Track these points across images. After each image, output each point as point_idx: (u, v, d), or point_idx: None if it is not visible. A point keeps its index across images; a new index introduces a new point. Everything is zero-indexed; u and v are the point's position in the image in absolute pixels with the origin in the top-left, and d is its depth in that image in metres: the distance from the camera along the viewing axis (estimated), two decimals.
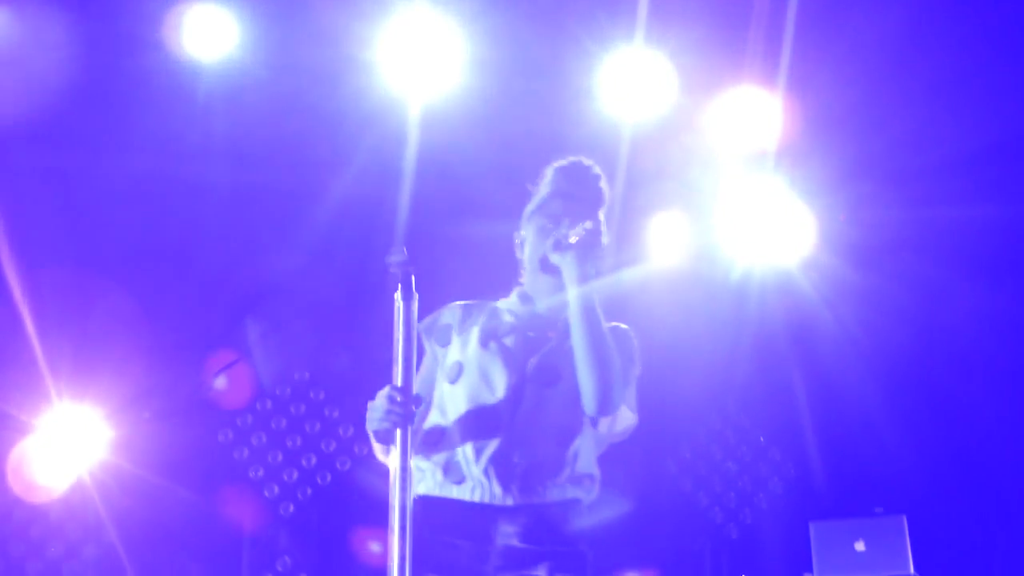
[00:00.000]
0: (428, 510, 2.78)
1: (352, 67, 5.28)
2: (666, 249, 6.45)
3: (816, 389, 6.85)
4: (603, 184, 3.04)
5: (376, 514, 2.84)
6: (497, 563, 2.74)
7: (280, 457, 6.43)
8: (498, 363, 2.86)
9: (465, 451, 2.79)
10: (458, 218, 5.69)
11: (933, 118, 5.62)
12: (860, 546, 6.02)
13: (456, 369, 2.89)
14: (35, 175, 5.51)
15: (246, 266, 6.01)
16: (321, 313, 6.06)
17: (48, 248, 5.57)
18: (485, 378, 2.85)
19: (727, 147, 5.94)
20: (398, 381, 2.65)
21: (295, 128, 5.51)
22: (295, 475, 6.42)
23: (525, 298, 3.02)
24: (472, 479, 2.78)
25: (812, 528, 6.15)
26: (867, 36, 5.28)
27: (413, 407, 2.64)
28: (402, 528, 2.52)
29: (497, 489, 2.76)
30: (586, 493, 2.88)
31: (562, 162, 3.06)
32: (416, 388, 2.91)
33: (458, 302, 3.05)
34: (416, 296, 2.73)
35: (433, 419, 2.91)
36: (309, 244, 5.88)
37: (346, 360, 6.20)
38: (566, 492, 2.82)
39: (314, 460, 6.43)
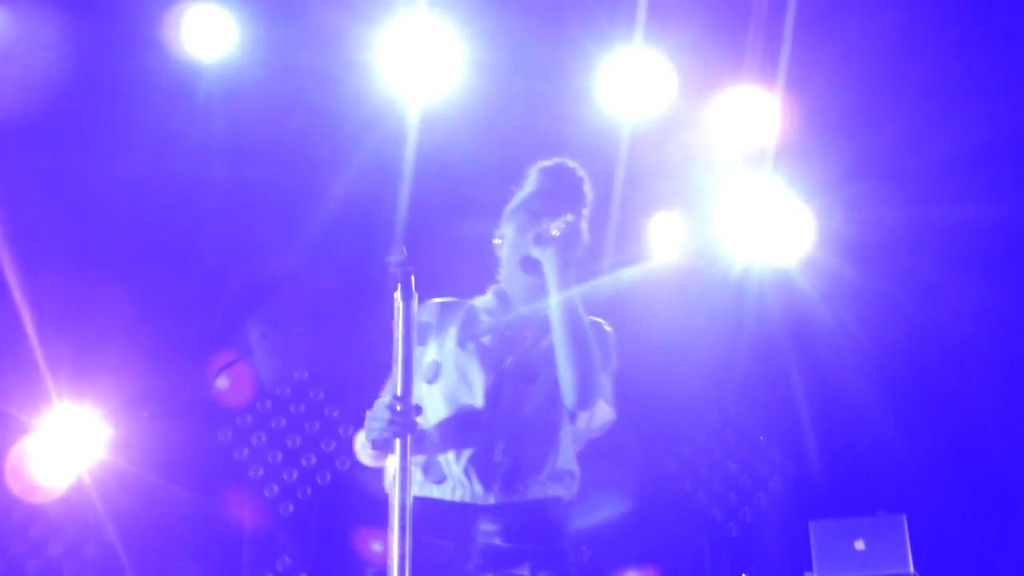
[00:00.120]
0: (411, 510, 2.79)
1: (352, 67, 5.28)
2: (665, 248, 6.45)
3: (815, 388, 6.86)
4: (586, 186, 3.05)
5: (376, 514, 2.85)
6: (478, 562, 2.75)
7: (280, 457, 6.43)
8: (475, 363, 2.87)
9: (445, 451, 2.80)
10: (458, 218, 5.69)
11: (931, 118, 5.62)
12: (860, 545, 6.03)
13: (434, 369, 2.90)
14: (35, 175, 5.51)
15: (246, 266, 6.01)
16: (321, 313, 6.06)
17: (48, 248, 5.57)
18: (463, 378, 2.86)
19: (726, 146, 5.94)
20: (398, 380, 2.65)
21: (295, 128, 5.51)
22: (295, 475, 6.42)
23: (502, 297, 3.03)
24: (453, 478, 2.78)
25: (812, 527, 6.15)
26: (865, 36, 5.29)
27: (414, 416, 2.64)
28: (402, 528, 2.52)
29: (478, 488, 2.77)
30: (566, 490, 2.89)
31: (546, 162, 3.09)
32: (388, 387, 2.93)
33: (435, 300, 3.05)
34: (416, 296, 2.73)
35: None
36: (309, 244, 5.88)
37: (346, 360, 6.20)
38: (547, 490, 2.83)
39: (314, 460, 6.43)
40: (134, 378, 5.85)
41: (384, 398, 2.68)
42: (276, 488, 6.40)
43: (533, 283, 2.96)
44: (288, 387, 6.52)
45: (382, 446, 2.72)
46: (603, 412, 2.95)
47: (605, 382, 2.93)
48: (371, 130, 5.46)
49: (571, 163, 3.08)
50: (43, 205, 5.55)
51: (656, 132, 5.74)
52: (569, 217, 2.83)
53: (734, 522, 7.12)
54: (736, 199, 6.24)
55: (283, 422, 6.48)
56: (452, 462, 2.79)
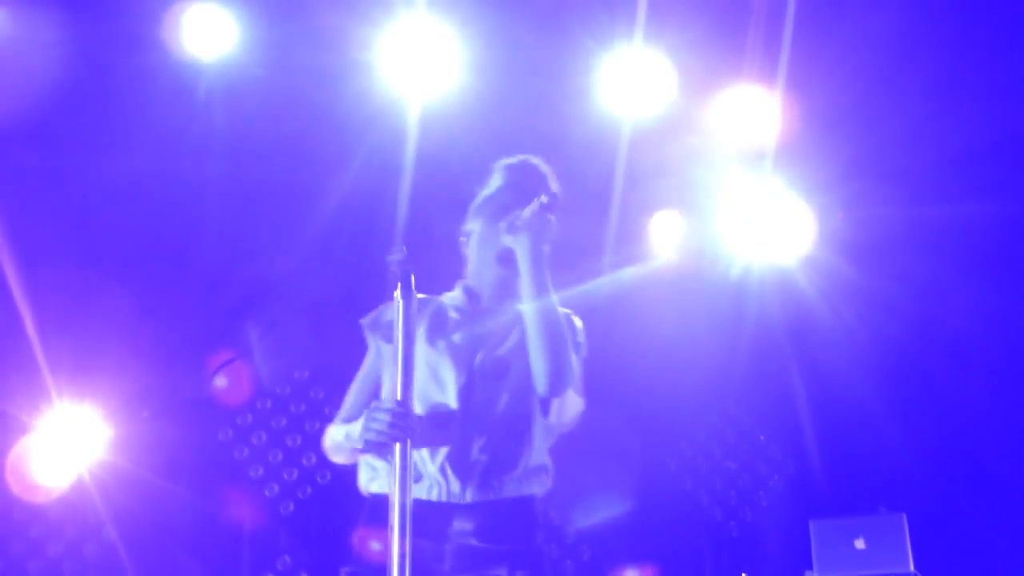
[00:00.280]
0: (385, 509, 2.79)
1: (352, 67, 5.28)
2: (665, 247, 6.46)
3: (815, 387, 6.86)
4: (552, 182, 3.04)
5: (377, 514, 2.85)
6: (453, 562, 2.74)
7: (280, 456, 6.43)
8: (447, 361, 2.88)
9: (420, 450, 2.79)
10: (458, 217, 5.69)
11: (931, 116, 5.63)
12: (860, 544, 6.03)
13: None
14: (35, 174, 5.51)
15: (246, 265, 6.01)
16: (321, 312, 6.06)
17: (48, 248, 5.57)
18: (435, 376, 2.86)
19: (726, 145, 5.94)
20: (398, 379, 2.66)
21: (295, 128, 5.51)
22: (295, 474, 6.42)
23: (470, 293, 3.03)
24: (429, 477, 2.78)
25: (812, 526, 6.15)
26: (865, 34, 5.29)
27: (415, 420, 2.64)
28: (402, 528, 2.52)
29: (456, 487, 2.77)
30: (541, 486, 2.89)
31: (511, 160, 3.08)
32: (357, 386, 2.94)
33: None
34: (416, 294, 2.73)
35: None
36: (309, 243, 5.88)
37: (346, 359, 6.19)
38: (522, 487, 2.83)
39: (314, 459, 6.43)
40: (134, 377, 5.85)
41: (385, 401, 2.68)
42: (276, 487, 6.40)
43: (501, 278, 2.98)
44: (288, 386, 6.53)
45: (375, 448, 2.72)
46: (573, 403, 2.96)
47: (576, 370, 2.93)
48: (371, 130, 5.46)
49: (535, 159, 3.08)
50: (43, 205, 5.55)
51: (656, 131, 5.74)
52: (543, 198, 2.81)
53: (734, 521, 7.13)
54: (736, 198, 6.24)
55: (283, 421, 6.48)
56: (428, 461, 2.79)
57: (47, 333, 5.54)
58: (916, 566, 5.92)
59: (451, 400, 2.82)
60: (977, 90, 5.54)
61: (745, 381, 6.99)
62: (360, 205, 5.73)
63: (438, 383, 2.85)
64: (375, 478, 2.86)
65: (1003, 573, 6.31)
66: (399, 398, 2.65)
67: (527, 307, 2.82)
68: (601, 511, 6.58)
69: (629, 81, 5.53)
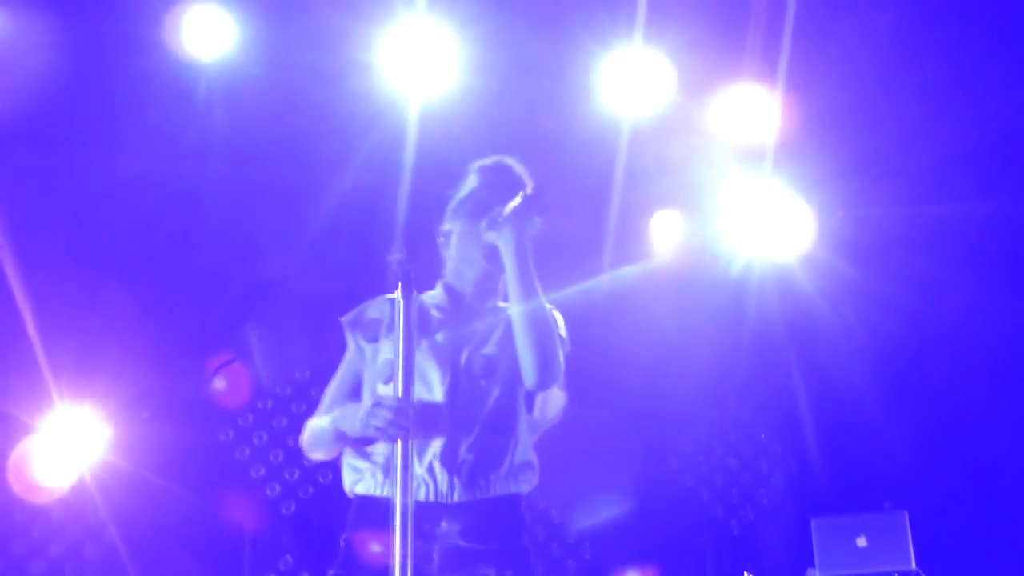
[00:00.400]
0: (371, 511, 2.79)
1: (351, 67, 5.28)
2: (665, 245, 6.46)
3: (816, 385, 6.87)
4: (528, 181, 3.04)
5: (363, 515, 2.85)
6: (441, 562, 2.74)
7: (281, 456, 6.43)
8: (431, 361, 2.88)
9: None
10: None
11: (931, 115, 5.63)
12: (862, 542, 6.03)
13: (389, 368, 2.88)
14: (35, 175, 5.51)
15: (246, 265, 6.01)
16: (321, 311, 6.05)
17: (49, 249, 5.57)
18: (421, 376, 2.86)
19: (726, 144, 5.95)
20: (399, 378, 2.66)
21: (294, 128, 5.51)
22: (296, 474, 6.42)
23: (452, 292, 3.02)
24: (416, 477, 2.78)
25: (814, 524, 6.16)
26: (865, 33, 5.29)
27: (416, 418, 2.65)
28: (403, 528, 2.53)
29: (443, 486, 2.77)
30: (528, 484, 2.89)
31: (485, 161, 3.09)
32: (337, 383, 2.95)
33: (385, 296, 3.03)
34: (416, 294, 2.74)
35: None
36: (309, 243, 5.88)
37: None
38: (509, 486, 2.83)
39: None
40: (135, 378, 5.85)
41: (387, 398, 2.69)
42: (278, 488, 6.40)
43: (483, 275, 2.98)
44: (289, 387, 6.53)
45: (364, 441, 2.73)
46: (556, 398, 2.96)
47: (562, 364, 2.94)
48: (371, 129, 5.46)
49: (509, 160, 3.08)
50: (44, 206, 5.55)
51: (656, 130, 5.74)
52: (529, 189, 2.81)
53: (736, 519, 7.13)
54: (736, 197, 6.24)
55: (284, 421, 6.48)
56: (415, 461, 2.79)
57: (48, 334, 5.55)
58: (918, 563, 5.92)
59: (438, 399, 2.83)
60: (976, 90, 5.54)
61: (745, 379, 7.00)
62: (360, 205, 5.73)
63: (424, 383, 2.86)
64: (360, 480, 2.86)
65: (1005, 570, 6.31)
66: (400, 395, 2.66)
67: (514, 301, 2.83)
68: (602, 510, 6.58)
69: (629, 80, 5.53)
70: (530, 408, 2.91)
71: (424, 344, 2.91)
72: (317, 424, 2.98)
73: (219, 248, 5.92)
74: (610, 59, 5.51)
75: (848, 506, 6.37)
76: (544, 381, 2.82)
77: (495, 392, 2.86)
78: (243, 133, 5.46)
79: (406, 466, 2.59)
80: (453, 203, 3.06)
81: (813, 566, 6.11)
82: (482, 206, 2.95)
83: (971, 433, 6.46)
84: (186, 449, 6.05)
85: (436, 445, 2.79)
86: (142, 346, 5.79)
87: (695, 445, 7.22)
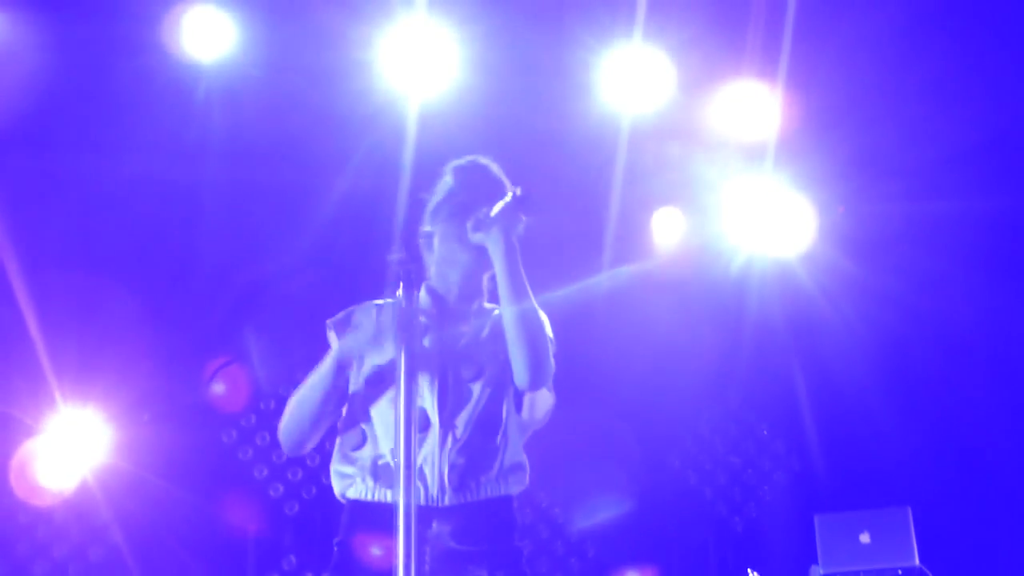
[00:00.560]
0: (362, 516, 2.80)
1: (351, 66, 5.28)
2: (666, 243, 6.46)
3: (818, 381, 6.87)
4: (505, 179, 3.03)
5: (355, 520, 2.85)
6: (433, 565, 2.74)
7: (284, 456, 6.43)
8: (420, 365, 2.86)
9: (396, 454, 2.76)
10: None
11: (931, 112, 5.63)
12: (865, 538, 6.03)
13: (377, 373, 2.88)
14: (35, 177, 5.51)
15: (248, 266, 6.02)
16: (322, 311, 6.05)
17: (51, 251, 5.57)
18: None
19: (727, 141, 5.95)
20: (400, 378, 2.66)
21: (294, 128, 5.51)
22: (299, 474, 6.42)
23: (436, 295, 3.00)
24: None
25: (817, 521, 6.16)
26: (866, 30, 5.29)
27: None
28: (407, 528, 2.53)
29: (434, 490, 2.77)
30: (519, 485, 2.89)
31: (459, 162, 3.08)
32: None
33: (372, 302, 3.02)
34: (417, 293, 2.73)
35: (353, 424, 2.91)
36: (311, 241, 5.89)
37: None
38: (499, 487, 2.83)
39: (318, 459, 6.43)
40: (138, 380, 5.86)
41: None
42: (281, 488, 6.40)
43: (465, 276, 2.96)
44: (292, 387, 6.51)
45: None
46: (545, 399, 2.96)
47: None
48: (371, 129, 5.46)
49: (484, 160, 3.07)
50: (45, 207, 5.56)
51: (656, 128, 5.74)
52: (517, 191, 2.80)
53: (739, 516, 7.13)
54: (736, 194, 6.24)
55: None
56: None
57: (51, 337, 5.55)
58: (921, 560, 5.92)
59: (426, 404, 2.82)
60: (975, 87, 5.54)
61: (747, 376, 7.00)
62: (360, 205, 5.74)
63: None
64: (351, 484, 2.87)
65: (1008, 566, 6.31)
66: (402, 397, 2.65)
67: (505, 301, 2.82)
68: (605, 509, 6.58)
69: (629, 78, 5.53)
70: (519, 409, 2.90)
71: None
72: (296, 394, 2.99)
73: (220, 249, 5.92)
74: (610, 57, 5.51)
75: (851, 502, 6.36)
76: (536, 381, 2.82)
77: (484, 394, 2.86)
78: (243, 134, 5.47)
79: (409, 463, 2.58)
80: (431, 205, 3.04)
81: (816, 563, 6.11)
82: (462, 207, 2.93)
83: (973, 428, 6.46)
84: (189, 450, 6.05)
85: (426, 449, 2.79)
86: (144, 348, 5.79)
87: (697, 443, 7.22)
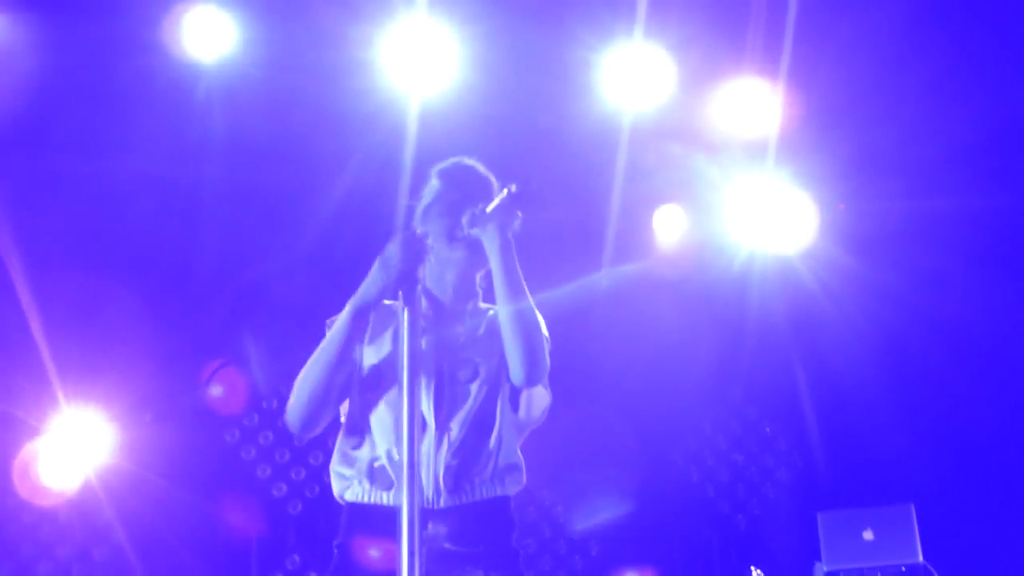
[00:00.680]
0: (360, 518, 2.79)
1: (352, 65, 5.29)
2: (667, 241, 6.46)
3: (820, 379, 6.86)
4: (491, 178, 3.02)
5: (354, 523, 2.85)
6: (429, 566, 2.72)
7: (288, 456, 6.44)
8: (416, 367, 2.86)
9: (392, 457, 2.78)
10: None
11: (934, 109, 5.63)
12: (868, 535, 6.03)
13: (375, 374, 2.88)
14: (38, 178, 5.52)
15: (250, 266, 6.02)
16: (324, 311, 6.06)
17: (54, 252, 5.58)
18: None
19: (728, 138, 5.95)
20: (403, 377, 2.66)
21: (294, 128, 5.52)
22: (303, 473, 6.43)
23: (431, 297, 2.98)
24: (401, 483, 2.77)
25: (820, 518, 6.16)
26: (867, 28, 5.29)
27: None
28: (411, 527, 2.53)
29: (429, 491, 2.77)
30: (514, 485, 2.88)
31: (444, 164, 3.06)
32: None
33: None
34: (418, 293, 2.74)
35: (350, 426, 2.90)
36: (311, 242, 5.89)
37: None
38: (495, 488, 2.83)
39: (321, 458, 6.43)
40: (140, 380, 5.86)
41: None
42: (285, 487, 6.41)
43: (460, 276, 2.95)
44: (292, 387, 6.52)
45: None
46: (541, 398, 2.95)
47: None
48: (372, 128, 5.46)
49: (469, 160, 3.07)
50: (47, 208, 5.56)
51: (657, 126, 5.74)
52: (512, 187, 2.79)
53: (742, 514, 7.13)
54: (738, 191, 6.24)
55: None
56: (404, 467, 2.78)
57: (55, 337, 5.56)
58: (925, 557, 5.92)
59: (423, 406, 2.81)
60: (976, 85, 5.54)
61: (749, 373, 7.00)
62: (360, 204, 5.74)
63: None
64: (349, 487, 2.86)
65: (1012, 562, 6.31)
66: (405, 397, 2.65)
67: (501, 297, 2.81)
68: (608, 508, 6.58)
69: (630, 76, 5.53)
70: (515, 408, 2.90)
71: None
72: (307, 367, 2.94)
73: (222, 249, 5.92)
74: (610, 55, 5.51)
75: (854, 499, 6.36)
76: (532, 377, 2.82)
77: (479, 395, 2.85)
78: (243, 133, 5.47)
79: (413, 462, 2.58)
80: (420, 209, 3.02)
81: (820, 560, 6.11)
82: (453, 205, 2.92)
83: (976, 425, 6.46)
84: (192, 450, 6.06)
85: (422, 451, 2.77)
86: (147, 348, 5.80)
87: (699, 440, 7.22)
